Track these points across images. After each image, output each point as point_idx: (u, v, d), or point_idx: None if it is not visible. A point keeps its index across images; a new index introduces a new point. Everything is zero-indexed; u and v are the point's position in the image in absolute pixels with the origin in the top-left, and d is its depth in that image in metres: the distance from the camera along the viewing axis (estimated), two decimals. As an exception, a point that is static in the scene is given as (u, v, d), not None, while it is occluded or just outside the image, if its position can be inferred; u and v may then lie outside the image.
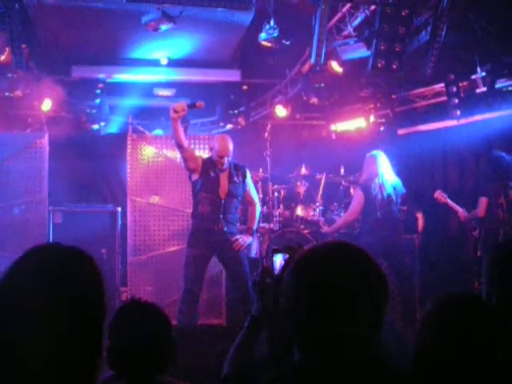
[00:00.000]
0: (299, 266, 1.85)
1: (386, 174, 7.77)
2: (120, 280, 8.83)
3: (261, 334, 2.63)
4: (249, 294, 6.65)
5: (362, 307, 1.75)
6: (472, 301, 2.25)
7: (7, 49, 7.39)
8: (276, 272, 2.59)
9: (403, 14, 7.20)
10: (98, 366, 1.61)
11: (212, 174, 7.02)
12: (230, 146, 7.01)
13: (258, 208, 7.44)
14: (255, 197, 7.45)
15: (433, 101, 10.04)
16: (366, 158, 8.04)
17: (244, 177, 7.20)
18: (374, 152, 8.05)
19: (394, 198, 7.68)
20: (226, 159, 6.97)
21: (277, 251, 2.65)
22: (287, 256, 2.57)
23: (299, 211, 9.26)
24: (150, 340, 2.69)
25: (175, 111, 6.67)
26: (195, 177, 7.10)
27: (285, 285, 1.87)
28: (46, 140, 8.97)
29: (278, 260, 2.61)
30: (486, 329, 2.15)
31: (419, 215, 9.55)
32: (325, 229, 8.71)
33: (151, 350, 2.68)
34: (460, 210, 8.41)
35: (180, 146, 6.97)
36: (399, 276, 7.77)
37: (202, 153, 8.61)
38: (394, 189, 7.74)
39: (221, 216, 6.99)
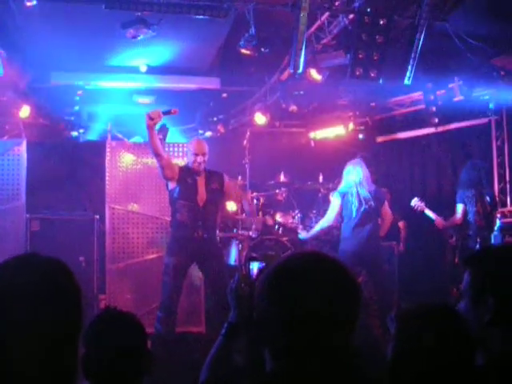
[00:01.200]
0: (273, 277, 1.84)
1: (365, 182, 7.77)
2: (98, 288, 8.78)
3: (238, 341, 2.62)
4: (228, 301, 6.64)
5: (337, 317, 1.74)
6: (445, 311, 2.28)
7: (-15, 55, 7.35)
8: (253, 279, 2.61)
9: (381, 22, 7.25)
10: (73, 378, 1.59)
11: (189, 181, 7.04)
12: (205, 147, 7.09)
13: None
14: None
15: (411, 109, 10.12)
16: (346, 165, 8.04)
17: (221, 184, 7.19)
18: (354, 160, 8.05)
19: (372, 205, 7.66)
20: (200, 157, 7.00)
21: (254, 259, 2.67)
22: (264, 264, 2.59)
23: (278, 218, 9.28)
24: (124, 350, 2.64)
25: (151, 118, 6.69)
26: (172, 185, 7.11)
27: (257, 295, 1.88)
28: (23, 147, 8.91)
29: (255, 268, 2.62)
30: (458, 338, 2.19)
31: (401, 224, 9.61)
32: (302, 234, 8.73)
33: (126, 361, 2.64)
34: (437, 218, 8.46)
35: (156, 154, 6.98)
36: (377, 283, 7.78)
37: (181, 160, 8.60)
38: (373, 197, 7.72)
39: (200, 223, 6.98)
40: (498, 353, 2.24)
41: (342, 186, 7.93)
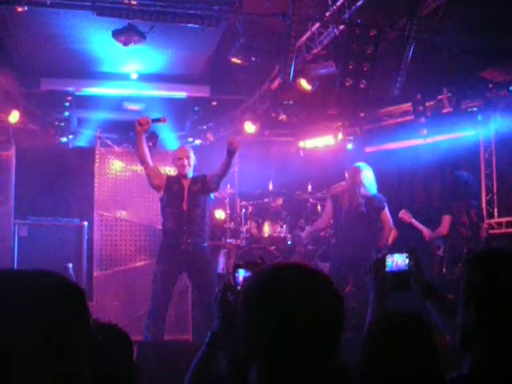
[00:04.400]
0: (255, 288, 1.81)
1: (364, 188, 7.71)
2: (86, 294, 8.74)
3: (223, 349, 2.62)
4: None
5: (318, 331, 1.71)
6: (412, 319, 2.33)
7: (-25, 60, 7.34)
8: (238, 288, 2.63)
9: (371, 34, 7.30)
10: None
11: (175, 188, 7.08)
12: (188, 151, 7.19)
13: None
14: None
15: (400, 119, 10.16)
16: (349, 168, 7.98)
17: (203, 182, 7.18)
18: (359, 163, 7.98)
19: (363, 211, 7.60)
20: (184, 160, 7.05)
21: (239, 266, 2.69)
22: (250, 273, 2.61)
23: (266, 228, 9.29)
24: (109, 363, 2.61)
25: (140, 124, 6.75)
26: (161, 193, 7.17)
27: (239, 304, 1.84)
28: (12, 152, 8.91)
29: (241, 276, 2.66)
30: (425, 347, 2.23)
31: (392, 231, 9.62)
32: (303, 233, 8.82)
33: (111, 374, 2.61)
34: (425, 229, 8.48)
35: (143, 161, 7.04)
36: (361, 291, 7.75)
37: (170, 169, 8.59)
38: (370, 203, 7.67)
39: (184, 228, 6.99)
40: (485, 360, 2.25)
41: (336, 190, 7.90)
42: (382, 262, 3.12)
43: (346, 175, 7.94)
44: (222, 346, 2.62)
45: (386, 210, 7.81)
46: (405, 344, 2.24)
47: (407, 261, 3.14)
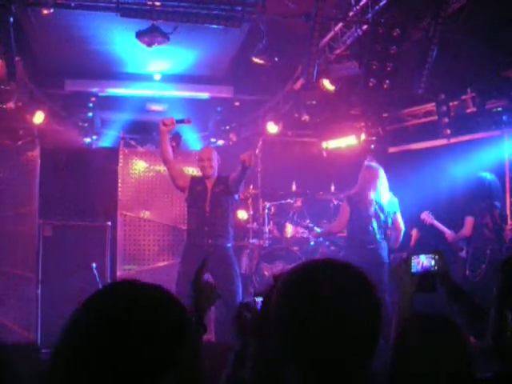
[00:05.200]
0: (288, 292, 1.69)
1: (381, 191, 7.66)
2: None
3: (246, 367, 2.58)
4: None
5: (351, 338, 1.59)
6: (443, 321, 2.30)
7: (0, 61, 7.40)
8: (256, 308, 2.63)
9: (395, 34, 7.27)
10: None
11: (198, 189, 7.09)
12: (210, 153, 7.17)
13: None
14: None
15: (424, 120, 10.10)
16: (364, 166, 7.89)
17: (226, 183, 7.17)
18: (375, 164, 7.94)
19: (380, 215, 7.55)
20: (206, 162, 7.06)
21: (259, 295, 2.69)
22: (262, 300, 2.59)
23: (289, 228, 9.28)
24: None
25: (164, 124, 6.79)
26: (185, 194, 7.19)
27: (273, 303, 1.72)
28: (37, 152, 8.97)
29: (259, 301, 2.66)
30: (458, 347, 2.21)
31: (414, 232, 9.57)
32: (312, 235, 8.80)
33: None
34: (447, 231, 8.43)
35: (166, 161, 7.08)
36: (382, 294, 7.70)
37: (193, 169, 8.61)
38: (385, 207, 7.63)
39: (206, 229, 7.00)
40: None
41: (353, 191, 7.86)
42: (408, 262, 3.11)
43: (362, 175, 7.81)
44: (245, 366, 2.57)
45: (399, 212, 7.78)
46: (438, 345, 2.21)
47: (433, 262, 3.12)
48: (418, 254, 3.16)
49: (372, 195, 7.55)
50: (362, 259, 7.20)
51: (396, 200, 7.85)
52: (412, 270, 3.10)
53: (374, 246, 7.48)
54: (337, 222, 8.02)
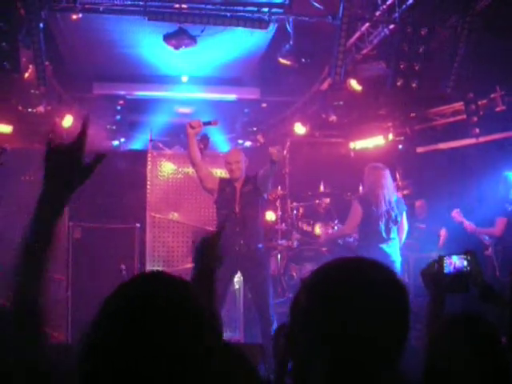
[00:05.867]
0: (324, 280, 1.66)
1: (390, 190, 7.55)
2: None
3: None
4: (268, 311, 6.68)
5: (381, 341, 1.55)
6: (476, 321, 2.30)
7: (31, 66, 7.49)
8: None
9: (422, 33, 7.23)
10: None
11: (227, 190, 7.07)
12: (237, 155, 7.13)
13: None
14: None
15: (452, 119, 10.02)
16: (371, 167, 7.72)
17: (254, 182, 7.15)
18: (380, 164, 7.89)
19: (391, 214, 7.47)
20: (233, 165, 7.03)
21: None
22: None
23: (318, 229, 9.27)
24: None
25: (191, 127, 6.79)
26: (214, 196, 7.17)
27: (303, 299, 1.66)
28: (66, 156, 9.05)
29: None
30: (495, 346, 2.20)
31: (443, 232, 9.52)
32: (322, 237, 8.80)
33: None
34: (470, 224, 8.41)
35: (194, 164, 7.06)
36: None
37: (221, 171, 8.63)
38: (395, 206, 7.55)
39: (237, 229, 6.97)
40: None
41: (363, 192, 7.80)
42: (440, 263, 3.10)
43: (368, 176, 7.71)
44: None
45: (405, 212, 7.70)
46: (476, 344, 2.20)
47: (465, 262, 3.11)
48: (449, 254, 3.16)
49: (383, 194, 7.45)
50: (374, 258, 7.10)
51: (402, 200, 7.78)
52: (444, 271, 3.09)
53: (387, 245, 7.41)
54: (349, 223, 7.89)
